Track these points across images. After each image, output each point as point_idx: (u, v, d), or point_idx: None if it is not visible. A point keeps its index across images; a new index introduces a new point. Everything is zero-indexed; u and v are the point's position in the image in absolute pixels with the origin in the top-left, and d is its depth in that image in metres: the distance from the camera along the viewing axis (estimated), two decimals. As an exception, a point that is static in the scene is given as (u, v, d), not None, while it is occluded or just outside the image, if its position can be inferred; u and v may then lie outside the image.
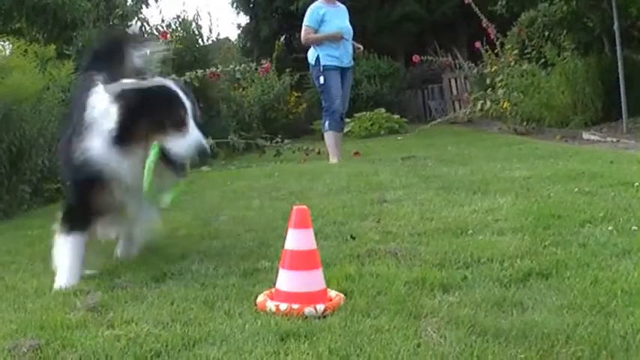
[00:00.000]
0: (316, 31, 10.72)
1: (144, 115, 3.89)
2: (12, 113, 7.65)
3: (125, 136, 3.85)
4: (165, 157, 3.91)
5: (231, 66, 14.20)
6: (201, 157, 3.95)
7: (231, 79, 16.31)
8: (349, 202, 6.21)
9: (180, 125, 3.91)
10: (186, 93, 4.09)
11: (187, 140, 3.88)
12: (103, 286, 3.91)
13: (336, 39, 10.62)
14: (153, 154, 3.84)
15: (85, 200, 4.10)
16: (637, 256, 3.83)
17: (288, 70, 20.89)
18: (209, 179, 9.34)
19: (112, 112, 3.88)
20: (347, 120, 14.81)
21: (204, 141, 3.93)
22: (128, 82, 4.00)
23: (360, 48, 11.30)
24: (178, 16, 27.41)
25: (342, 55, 10.79)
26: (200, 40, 22.75)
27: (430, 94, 24.31)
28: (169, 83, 4.12)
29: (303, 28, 10.84)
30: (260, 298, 3.39)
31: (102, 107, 3.95)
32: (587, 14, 14.04)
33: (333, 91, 10.74)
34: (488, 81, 15.25)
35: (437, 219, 5.27)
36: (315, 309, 3.20)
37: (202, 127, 4.05)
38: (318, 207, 5.80)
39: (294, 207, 3.40)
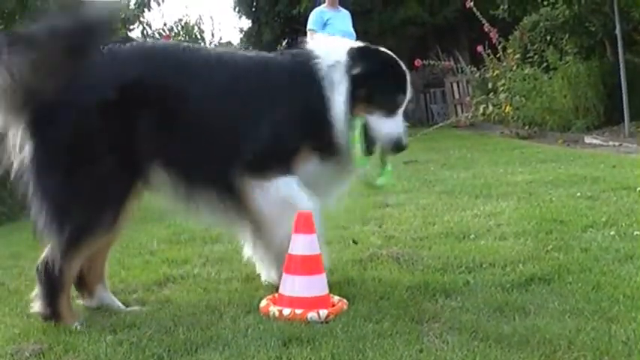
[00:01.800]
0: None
1: (373, 82, 3.68)
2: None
3: (351, 98, 3.63)
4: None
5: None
6: (395, 148, 3.71)
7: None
8: (351, 207, 6.20)
9: (394, 106, 3.70)
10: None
11: (391, 125, 3.68)
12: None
13: None
14: (357, 126, 3.63)
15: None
16: (639, 260, 3.83)
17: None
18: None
19: (344, 70, 3.66)
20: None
21: (404, 130, 3.73)
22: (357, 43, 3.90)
23: None
24: (180, 20, 27.47)
25: None
26: (202, 44, 22.68)
27: (432, 98, 24.29)
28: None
29: (309, 32, 10.83)
30: (263, 303, 3.40)
31: (333, 59, 3.69)
32: (589, 18, 14.04)
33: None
34: (490, 85, 15.23)
35: (439, 223, 5.28)
36: (318, 314, 3.20)
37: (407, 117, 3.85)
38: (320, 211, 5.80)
39: (299, 212, 3.40)
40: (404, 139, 3.69)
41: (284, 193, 3.54)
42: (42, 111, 3.29)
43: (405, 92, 3.77)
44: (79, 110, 3.32)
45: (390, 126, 3.67)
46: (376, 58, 3.79)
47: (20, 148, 3.34)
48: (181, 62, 3.61)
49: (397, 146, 3.68)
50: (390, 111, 3.68)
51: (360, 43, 3.89)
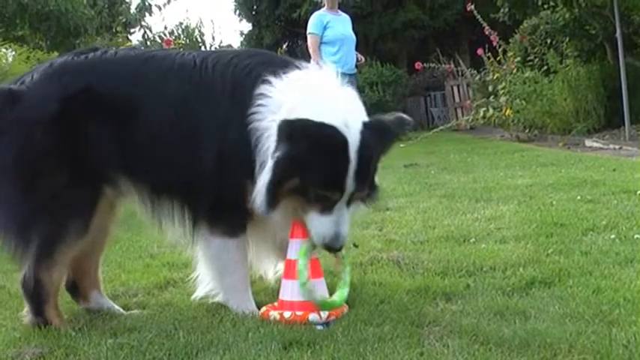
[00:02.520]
0: (321, 38, 10.75)
1: (300, 168, 3.09)
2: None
3: (276, 186, 3.12)
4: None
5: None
6: (327, 249, 3.24)
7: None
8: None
9: (322, 201, 3.15)
10: (367, 145, 3.11)
11: (321, 224, 3.16)
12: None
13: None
14: (301, 252, 3.26)
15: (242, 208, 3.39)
16: (639, 264, 3.83)
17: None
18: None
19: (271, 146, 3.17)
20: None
21: (341, 229, 3.16)
22: (300, 107, 3.14)
23: (361, 59, 11.32)
24: (181, 23, 27.53)
25: (341, 60, 10.81)
26: (203, 47, 22.76)
27: (432, 101, 24.35)
28: (343, 124, 3.09)
29: (309, 36, 10.86)
30: (263, 309, 3.39)
31: (270, 130, 3.19)
32: (589, 21, 14.06)
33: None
34: (490, 88, 15.26)
35: (439, 227, 5.28)
36: (319, 315, 3.20)
37: (371, 192, 3.34)
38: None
39: (294, 219, 3.40)
40: (337, 240, 3.16)
41: (221, 259, 3.50)
42: None
43: (338, 187, 3.11)
44: (26, 125, 3.33)
45: (321, 225, 3.17)
46: (306, 139, 3.04)
47: None
48: (137, 72, 3.50)
49: (327, 248, 3.22)
50: (323, 207, 3.16)
51: (300, 115, 3.06)
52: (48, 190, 3.31)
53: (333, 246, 3.20)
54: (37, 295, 3.34)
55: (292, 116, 3.07)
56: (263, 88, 3.28)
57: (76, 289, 3.72)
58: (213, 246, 3.49)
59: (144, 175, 3.49)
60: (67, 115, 3.34)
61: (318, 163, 3.08)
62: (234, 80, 3.39)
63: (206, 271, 3.63)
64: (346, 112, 3.17)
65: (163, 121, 3.44)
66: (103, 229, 3.61)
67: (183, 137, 3.43)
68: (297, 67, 3.40)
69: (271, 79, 3.28)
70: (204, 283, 3.68)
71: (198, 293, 3.70)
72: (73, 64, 3.49)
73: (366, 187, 3.26)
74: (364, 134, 3.13)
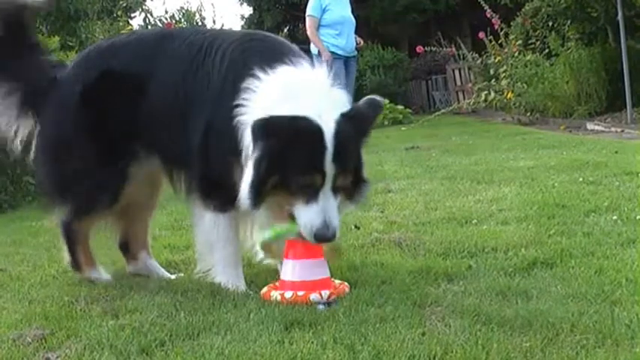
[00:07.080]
0: (320, 20, 10.73)
1: (278, 163, 3.09)
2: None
3: (259, 185, 3.12)
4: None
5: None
6: (319, 239, 3.15)
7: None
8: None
9: (306, 190, 3.11)
10: (342, 130, 3.13)
11: (307, 213, 3.10)
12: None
13: (326, 56, 10.54)
14: (273, 231, 3.30)
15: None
16: (642, 245, 3.83)
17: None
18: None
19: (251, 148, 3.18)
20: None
21: (330, 217, 3.10)
22: (273, 104, 3.15)
23: (360, 42, 11.30)
24: (182, 7, 27.44)
25: (341, 43, 10.80)
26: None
27: (434, 85, 24.26)
28: (317, 116, 3.11)
29: (308, 18, 10.85)
30: (264, 290, 3.39)
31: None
32: (591, 4, 13.97)
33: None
34: (492, 71, 15.20)
35: (441, 209, 5.27)
36: (321, 295, 3.20)
37: (358, 185, 3.33)
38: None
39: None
40: (327, 229, 3.10)
41: (213, 233, 3.58)
42: (38, 103, 3.82)
43: (318, 170, 3.09)
44: (59, 106, 3.78)
45: (307, 214, 3.11)
46: (279, 134, 3.07)
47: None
48: (152, 50, 3.75)
49: (317, 239, 3.14)
50: (308, 197, 3.11)
51: (275, 113, 3.08)
52: (81, 162, 3.74)
53: (323, 235, 3.10)
54: (70, 238, 3.87)
55: (267, 114, 3.07)
56: (249, 82, 3.29)
57: (127, 249, 4.10)
58: (206, 220, 3.59)
59: (157, 148, 3.75)
60: (90, 96, 3.71)
61: (294, 153, 3.08)
62: (228, 68, 3.47)
63: (200, 245, 3.75)
64: (323, 106, 3.16)
65: (165, 99, 3.66)
66: (149, 196, 4.02)
67: (178, 113, 3.61)
68: (288, 62, 3.36)
69: (258, 73, 3.28)
70: (203, 257, 3.77)
71: (199, 268, 3.77)
72: (98, 48, 3.96)
73: (348, 172, 3.21)
74: (340, 122, 3.14)
